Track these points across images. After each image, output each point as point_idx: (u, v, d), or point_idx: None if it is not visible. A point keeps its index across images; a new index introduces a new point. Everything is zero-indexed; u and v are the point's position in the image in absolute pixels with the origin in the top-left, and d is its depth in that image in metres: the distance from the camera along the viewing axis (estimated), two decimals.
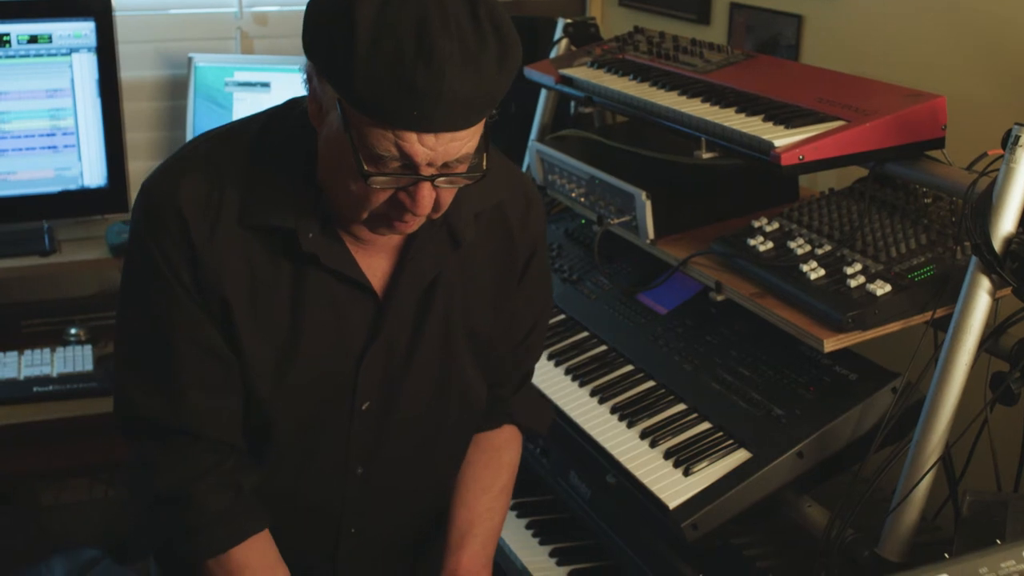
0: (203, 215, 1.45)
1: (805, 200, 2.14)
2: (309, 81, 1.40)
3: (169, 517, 1.53)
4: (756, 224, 2.08)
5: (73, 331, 2.98)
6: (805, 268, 1.90)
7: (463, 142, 1.35)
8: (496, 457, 1.77)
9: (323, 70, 1.34)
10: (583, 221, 2.59)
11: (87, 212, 3.08)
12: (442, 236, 1.53)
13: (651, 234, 2.20)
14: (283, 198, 1.46)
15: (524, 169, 2.73)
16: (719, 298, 2.01)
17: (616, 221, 2.26)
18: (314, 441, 1.57)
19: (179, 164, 1.51)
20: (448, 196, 1.43)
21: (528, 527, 2.19)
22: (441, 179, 1.37)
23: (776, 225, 2.07)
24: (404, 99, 1.28)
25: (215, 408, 1.51)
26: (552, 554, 2.10)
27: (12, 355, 2.86)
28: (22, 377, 2.80)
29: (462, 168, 1.39)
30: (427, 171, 1.35)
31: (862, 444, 1.82)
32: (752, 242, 2.03)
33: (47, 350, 2.88)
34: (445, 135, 1.32)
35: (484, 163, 1.41)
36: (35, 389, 2.76)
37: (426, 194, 1.37)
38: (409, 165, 1.34)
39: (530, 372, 1.83)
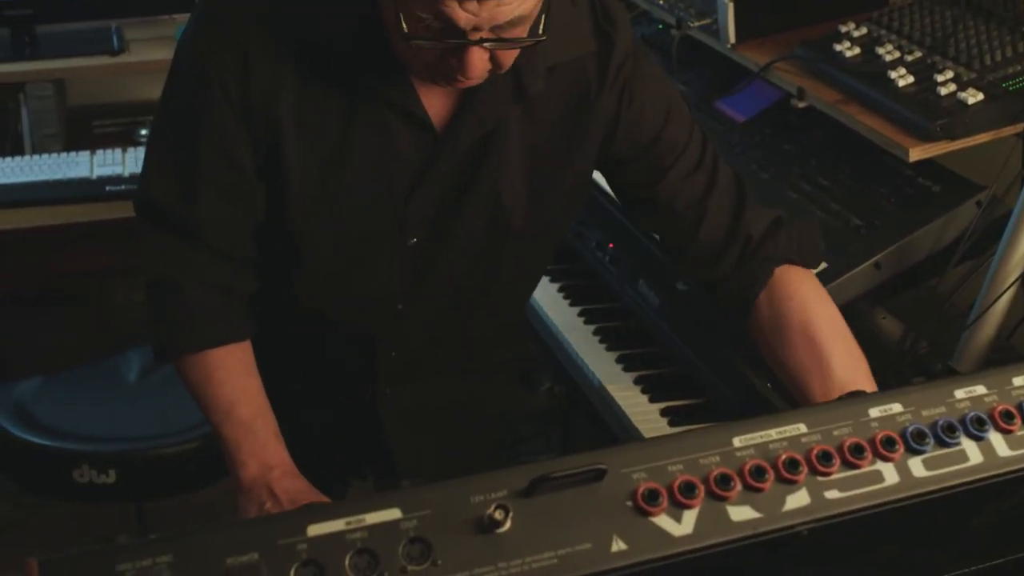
0: (262, 29, 1.42)
1: (896, 5, 2.06)
2: None
3: (156, 305, 1.54)
4: (843, 29, 2.01)
5: (144, 132, 2.99)
6: (893, 75, 1.84)
7: (512, 6, 1.27)
8: (789, 309, 1.52)
9: None
10: (660, 26, 2.51)
11: (155, 11, 3.05)
12: (507, 85, 1.47)
13: (732, 38, 2.12)
14: (346, 20, 1.42)
15: None
16: (801, 105, 1.96)
17: (696, 24, 2.19)
18: (356, 270, 1.56)
19: None
20: (507, 57, 1.36)
21: (595, 334, 2.19)
22: (489, 44, 1.30)
23: (864, 30, 1.99)
24: None
25: (223, 215, 1.50)
26: (619, 360, 2.11)
27: (84, 155, 2.88)
28: (95, 176, 2.82)
29: (517, 32, 1.32)
30: (475, 36, 1.29)
31: (942, 258, 1.79)
32: (838, 47, 1.96)
33: (119, 150, 2.90)
34: (489, 1, 1.25)
35: (542, 28, 1.33)
36: (108, 188, 2.78)
37: (475, 59, 1.31)
38: (453, 31, 1.28)
39: (744, 200, 1.60)
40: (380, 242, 1.54)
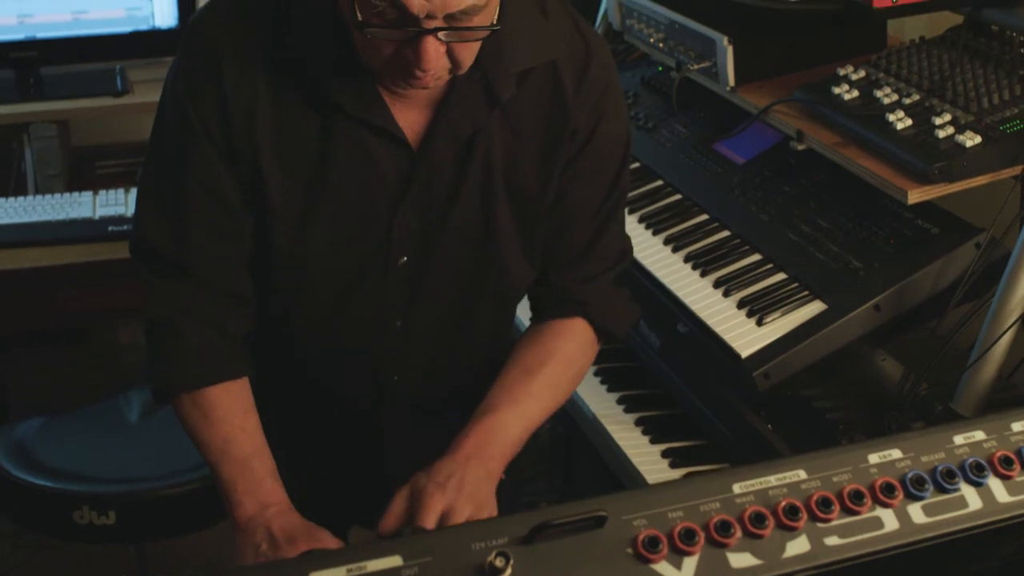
0: (236, 56, 1.44)
1: (893, 48, 2.07)
2: None
3: (153, 346, 1.55)
4: (842, 72, 2.02)
5: None
6: (891, 118, 1.85)
7: None
8: (551, 343, 1.63)
9: None
10: (660, 68, 2.53)
11: (158, 53, 3.07)
12: (478, 92, 1.47)
13: (732, 81, 2.14)
14: (316, 44, 1.44)
15: (601, 14, 2.65)
16: (800, 147, 1.97)
17: (695, 67, 2.21)
18: (349, 292, 1.57)
19: (220, 3, 1.49)
20: (465, 53, 1.37)
21: (596, 374, 2.19)
22: (443, 33, 1.31)
23: (862, 73, 2.01)
24: None
25: (215, 251, 1.52)
26: (620, 401, 2.11)
27: (87, 195, 2.89)
28: (97, 217, 2.83)
29: (473, 21, 1.33)
30: (429, 24, 1.30)
31: (941, 299, 1.79)
32: (837, 90, 1.97)
33: (121, 190, 2.91)
34: None
35: (496, 17, 1.35)
36: (110, 228, 2.79)
37: (430, 49, 1.32)
38: (407, 18, 1.29)
39: (611, 267, 1.68)
40: (370, 262, 1.55)
